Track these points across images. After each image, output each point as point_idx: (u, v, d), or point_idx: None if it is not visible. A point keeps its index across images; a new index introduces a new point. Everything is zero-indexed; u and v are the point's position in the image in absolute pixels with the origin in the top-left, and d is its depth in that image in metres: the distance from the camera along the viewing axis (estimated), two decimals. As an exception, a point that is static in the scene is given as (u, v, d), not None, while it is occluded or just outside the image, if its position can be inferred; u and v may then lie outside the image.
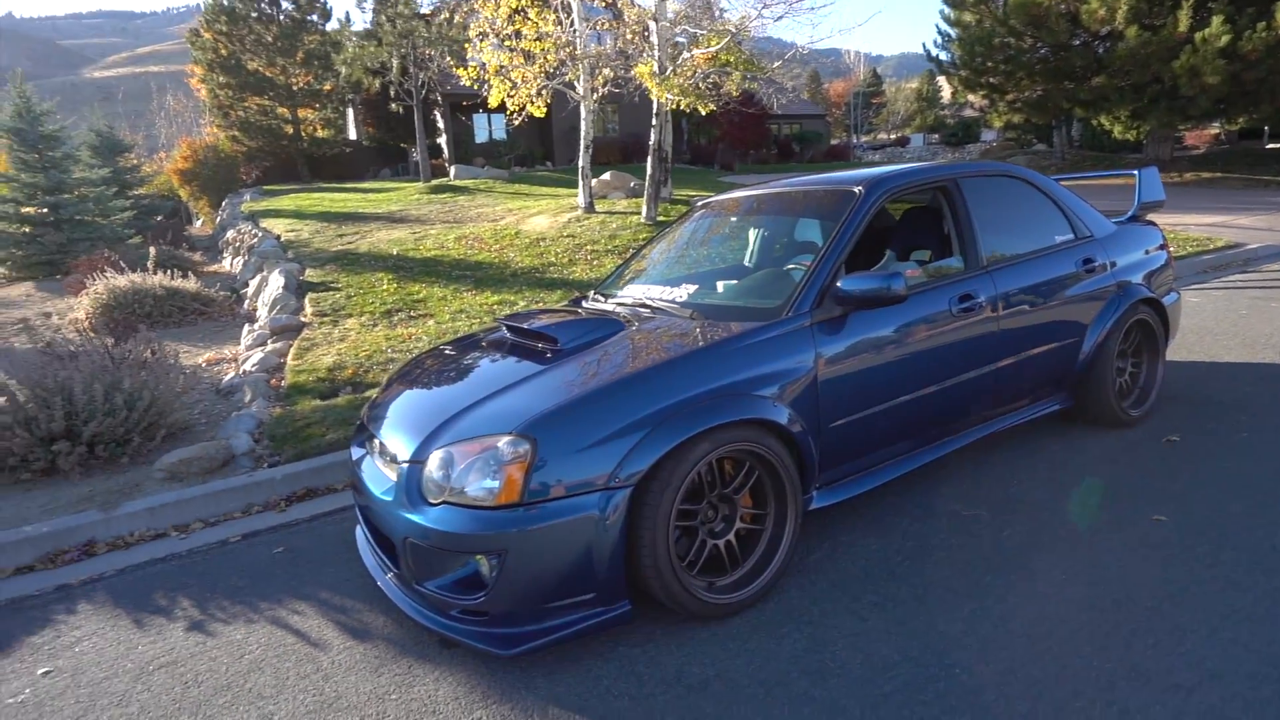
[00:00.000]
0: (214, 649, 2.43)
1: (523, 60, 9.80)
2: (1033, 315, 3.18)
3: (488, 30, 9.17)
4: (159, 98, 50.35)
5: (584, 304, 3.47)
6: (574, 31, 9.87)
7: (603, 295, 3.41)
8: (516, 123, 10.22)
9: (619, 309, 3.06)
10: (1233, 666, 1.92)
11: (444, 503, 2.16)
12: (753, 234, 3.53)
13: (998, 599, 2.31)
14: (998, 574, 2.45)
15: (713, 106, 8.70)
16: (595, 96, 10.07)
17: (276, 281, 8.05)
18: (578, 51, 9.64)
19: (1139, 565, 2.43)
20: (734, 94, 9.07)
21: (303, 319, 6.91)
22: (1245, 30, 11.49)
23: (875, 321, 2.69)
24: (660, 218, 10.10)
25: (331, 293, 7.57)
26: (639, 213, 10.37)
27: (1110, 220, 3.73)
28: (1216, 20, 11.53)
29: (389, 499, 2.30)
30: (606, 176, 12.16)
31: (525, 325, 2.91)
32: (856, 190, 2.92)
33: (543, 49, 9.02)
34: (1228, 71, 11.80)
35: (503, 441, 2.12)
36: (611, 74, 9.57)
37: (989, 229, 3.17)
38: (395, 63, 16.07)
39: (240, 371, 5.72)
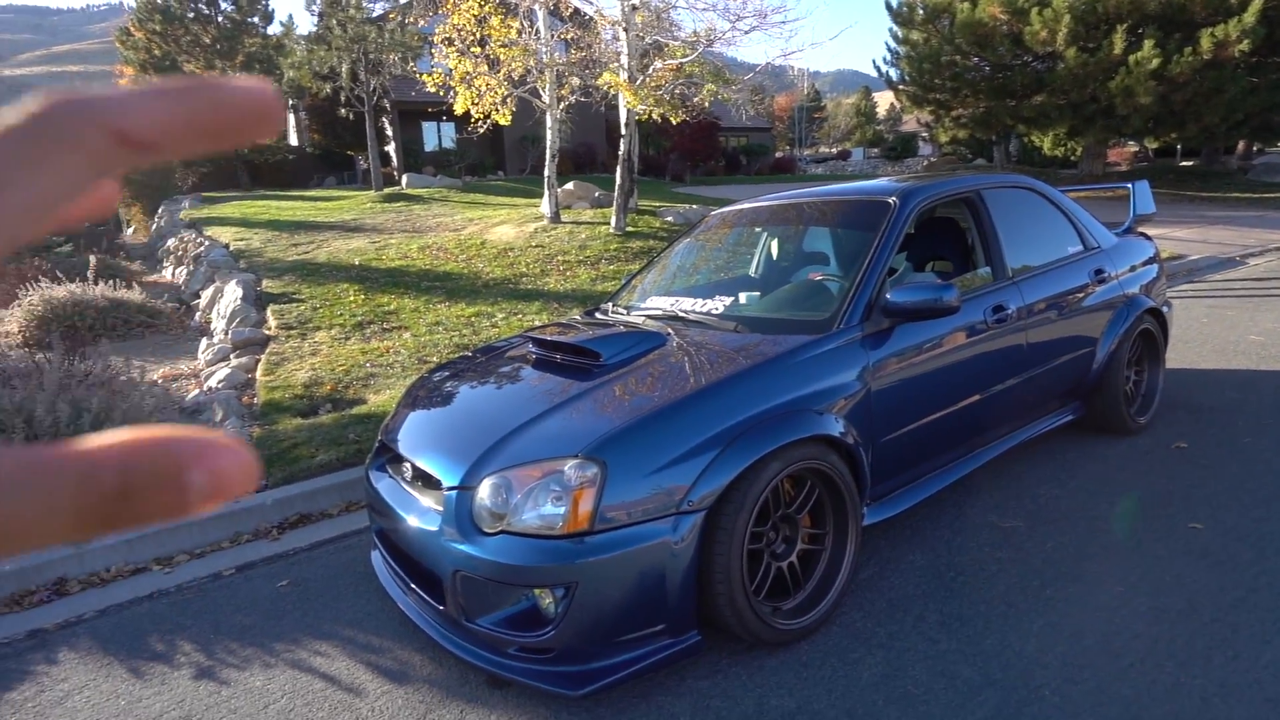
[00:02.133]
0: (232, 699, 2.19)
1: (487, 67, 9.60)
2: (1055, 326, 3.21)
3: (453, 36, 8.94)
4: (79, 99, 47.60)
5: (597, 315, 3.35)
6: (538, 39, 9.73)
7: (623, 308, 3.29)
8: (481, 131, 9.99)
9: (648, 322, 2.94)
10: (1313, 676, 1.92)
11: (502, 532, 2.00)
12: (776, 245, 3.47)
13: (1063, 613, 2.28)
14: (1056, 586, 2.42)
15: (685, 116, 8.68)
16: (561, 106, 9.93)
17: (233, 292, 7.62)
18: (544, 59, 9.50)
19: (1192, 573, 2.45)
20: (706, 105, 9.07)
21: (267, 332, 6.54)
22: (1174, 55, 12.18)
23: (918, 333, 2.65)
24: (629, 228, 10.02)
25: (295, 304, 7.20)
26: (607, 223, 10.27)
27: (1111, 232, 3.82)
28: (1148, 44, 12.19)
29: (431, 528, 2.13)
30: (570, 186, 12.02)
31: (559, 339, 2.77)
32: (891, 201, 2.89)
33: (510, 56, 8.84)
34: (1158, 92, 12.48)
35: (569, 465, 1.98)
36: (579, 83, 9.46)
37: (1011, 240, 3.18)
38: (345, 68, 15.58)
39: (205, 389, 5.35)
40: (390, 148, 23.03)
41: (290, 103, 23.06)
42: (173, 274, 11.75)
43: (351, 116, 17.42)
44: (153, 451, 0.23)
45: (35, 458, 0.22)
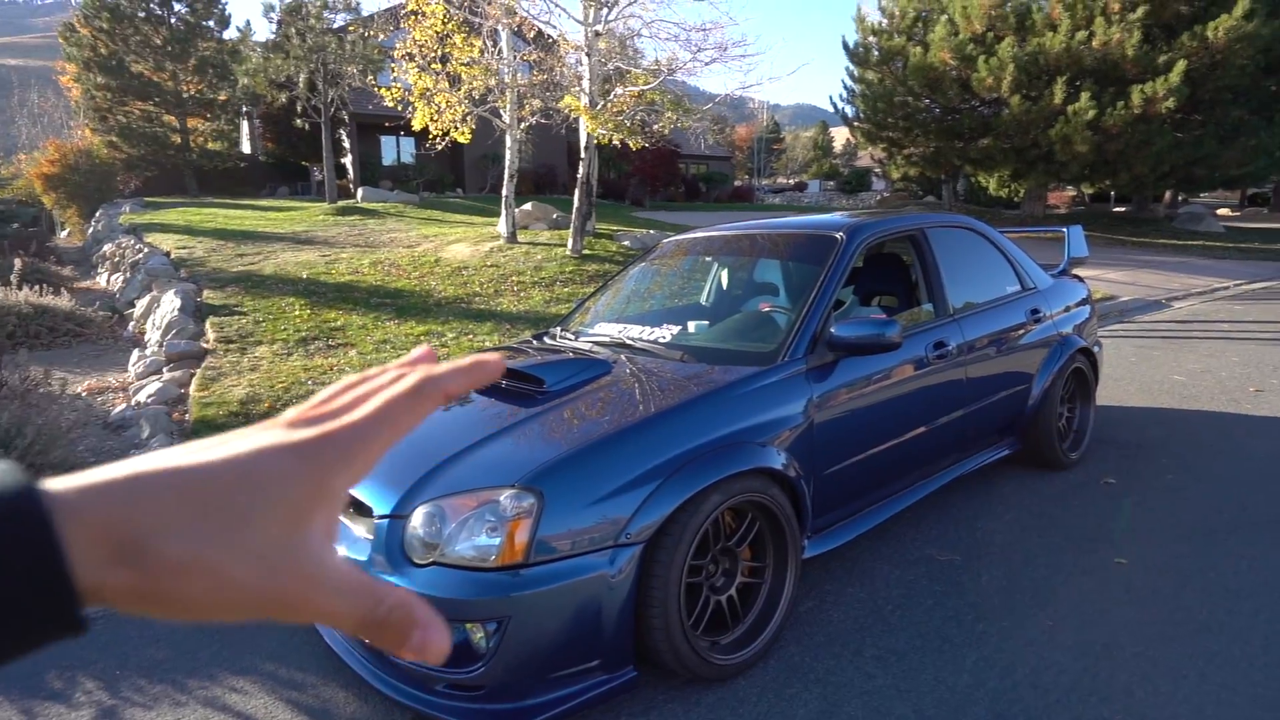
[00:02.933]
0: (137, 740, 2.06)
1: (447, 85, 9.56)
2: (993, 363, 3.30)
3: (414, 52, 8.89)
4: (20, 93, 45.77)
5: (546, 340, 3.31)
6: (500, 58, 9.74)
7: (571, 333, 3.26)
8: (439, 148, 9.91)
9: (595, 348, 2.92)
10: (1229, 713, 1.98)
11: (434, 563, 1.94)
12: (726, 274, 3.50)
13: (995, 647, 2.31)
14: (989, 621, 2.46)
15: (645, 142, 8.76)
16: (522, 126, 9.94)
17: (171, 302, 7.34)
18: (506, 80, 9.51)
19: (1115, 609, 2.51)
20: (666, 132, 9.19)
21: (205, 345, 6.31)
22: (1108, 107, 12.86)
23: (862, 367, 2.69)
24: (586, 251, 10.02)
25: (237, 317, 6.97)
26: (564, 245, 10.26)
27: (1047, 274, 3.97)
28: (1085, 96, 12.85)
29: (359, 558, 2.05)
30: (528, 207, 11.98)
31: (508, 366, 2.72)
32: (838, 236, 2.94)
33: (471, 75, 8.83)
34: (1094, 141, 13.14)
35: (505, 495, 1.93)
36: (541, 104, 9.48)
37: (953, 278, 3.27)
38: (303, 78, 15.33)
39: (133, 403, 5.11)
40: (347, 160, 22.70)
41: (245, 109, 22.59)
42: (107, 281, 11.28)
43: (308, 126, 17.13)
44: (407, 607, 0.35)
45: (363, 581, 0.34)
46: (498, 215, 16.18)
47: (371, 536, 2.08)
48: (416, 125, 9.45)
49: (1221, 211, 26.34)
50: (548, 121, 10.38)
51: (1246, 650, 2.25)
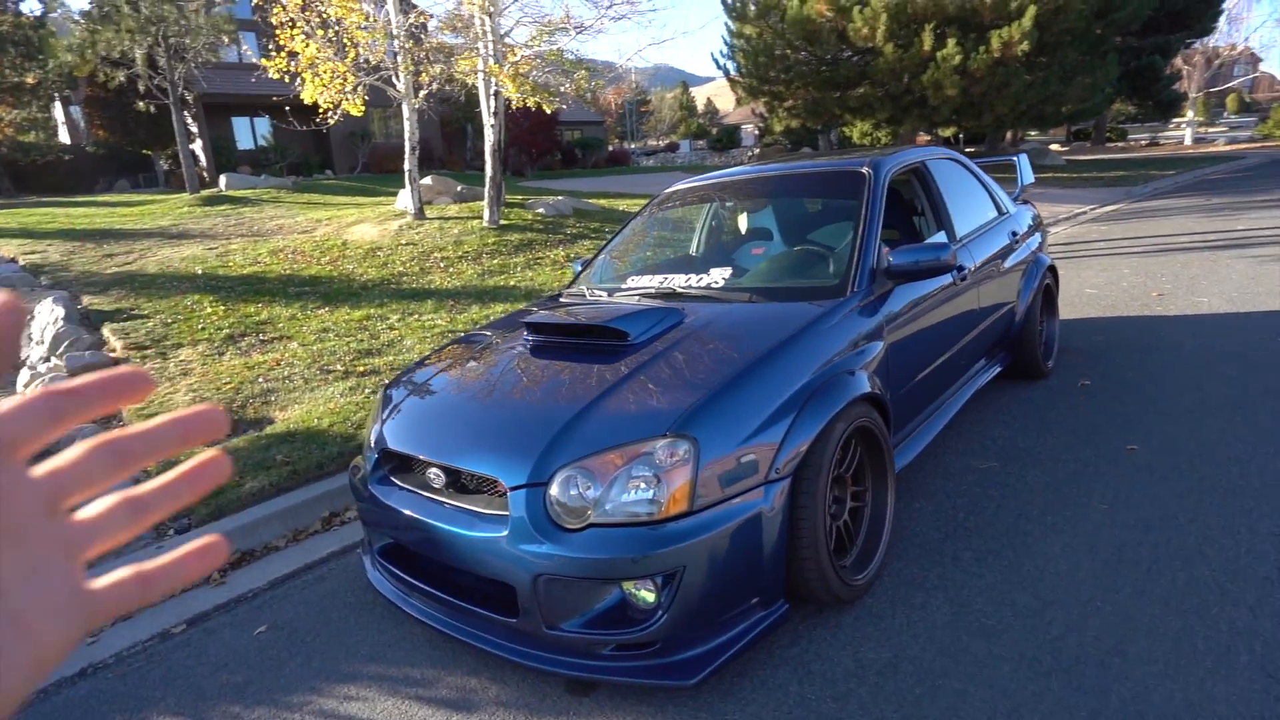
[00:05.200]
0: (268, 767, 1.87)
1: (333, 53, 8.84)
2: (994, 283, 3.53)
3: (296, 18, 8.12)
4: None
5: (563, 300, 3.21)
6: (388, 20, 9.10)
7: (602, 289, 3.17)
8: (333, 121, 9.17)
9: (643, 300, 2.86)
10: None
11: (589, 526, 1.86)
12: (748, 218, 3.48)
13: (1071, 534, 2.52)
14: (1054, 514, 2.67)
15: (561, 105, 8.52)
16: (421, 94, 9.38)
17: (51, 312, 6.44)
18: (398, 44, 8.91)
19: (1150, 487, 2.80)
20: (576, 94, 8.96)
21: (111, 354, 5.62)
22: (971, 52, 13.82)
23: (908, 293, 2.79)
24: (504, 222, 9.69)
25: (139, 320, 6.23)
26: (478, 218, 9.86)
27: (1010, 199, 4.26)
28: (951, 42, 13.73)
29: (494, 535, 1.93)
30: (428, 181, 11.37)
31: (564, 321, 2.61)
32: (864, 172, 3.01)
33: (368, 40, 8.20)
34: (961, 85, 14.11)
35: (658, 446, 1.87)
36: (441, 70, 8.96)
37: (955, 206, 3.45)
38: (140, 53, 13.65)
39: (54, 425, 4.48)
40: (196, 146, 20.58)
41: (62, 93, 19.90)
42: (-59, 298, 9.71)
43: (153, 109, 15.34)
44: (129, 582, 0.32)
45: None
46: (382, 195, 15.29)
47: (503, 511, 1.97)
48: (306, 97, 8.71)
49: (1054, 148, 29.11)
50: (448, 89, 9.84)
51: (1276, 502, 2.59)
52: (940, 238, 3.29)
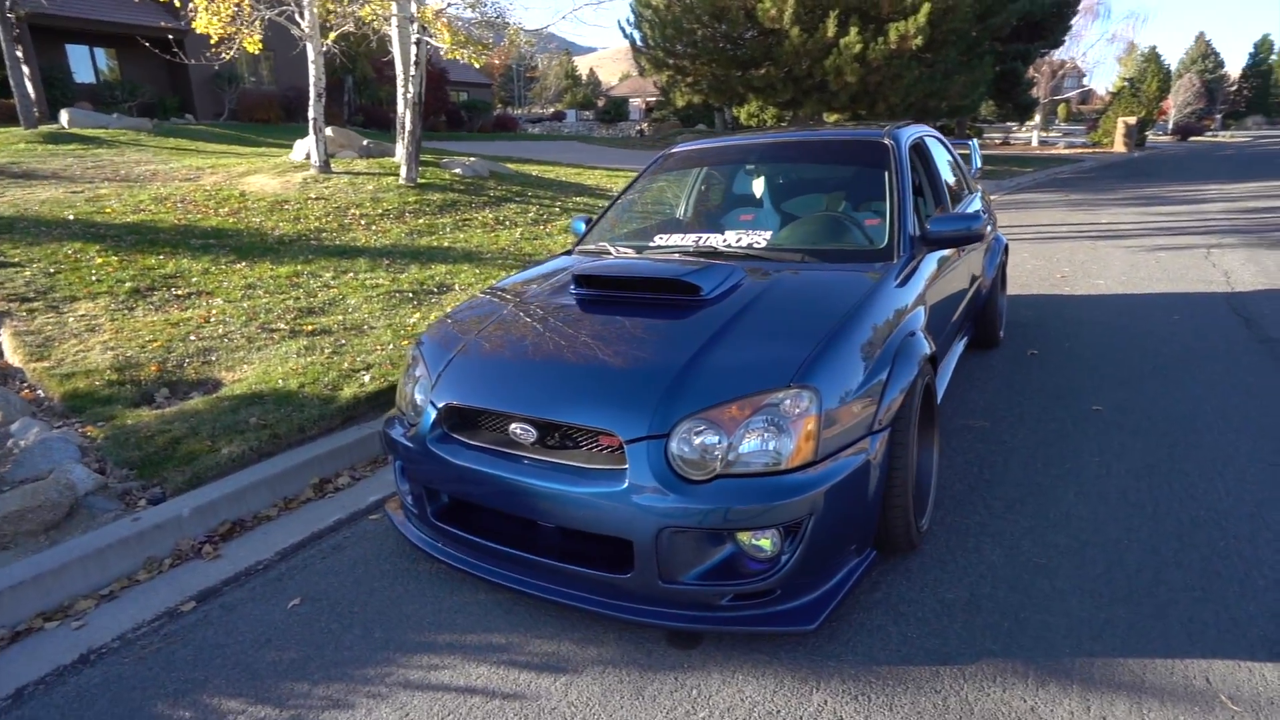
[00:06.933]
0: (374, 743, 1.72)
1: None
2: (973, 256, 3.77)
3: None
4: None
5: (576, 256, 3.13)
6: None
7: (630, 247, 3.09)
8: (226, 56, 8.25)
9: (683, 258, 2.82)
10: (1255, 469, 2.63)
11: (717, 477, 1.84)
12: (765, 182, 3.47)
13: (1079, 482, 2.78)
14: (1057, 465, 2.93)
15: (495, 59, 8.11)
16: (334, 35, 8.62)
17: (-107, 257, 5.41)
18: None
19: (1128, 440, 3.13)
20: (515, 47, 8.56)
21: (-13, 307, 4.82)
22: (870, 42, 14.51)
23: (931, 261, 2.94)
24: (421, 180, 9.16)
25: (11, 270, 5.38)
26: (391, 174, 9.26)
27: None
28: (853, 31, 14.35)
29: (609, 489, 1.87)
30: (330, 133, 10.49)
31: (622, 274, 2.54)
32: (886, 142, 3.12)
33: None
34: (860, 73, 14.81)
35: (784, 396, 1.88)
36: (351, 10, 8.23)
37: (944, 180, 3.64)
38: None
39: (-63, 387, 3.79)
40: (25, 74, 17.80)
41: None
42: None
43: (-26, 27, 13.09)
44: None
45: None
46: (265, 146, 13.98)
47: (616, 465, 1.90)
48: (199, 27, 7.78)
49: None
50: (358, 31, 9.09)
51: (1239, 438, 2.97)
52: (975, 204, 3.46)
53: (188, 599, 2.35)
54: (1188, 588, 2.14)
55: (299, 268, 5.87)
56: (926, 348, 2.37)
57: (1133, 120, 28.69)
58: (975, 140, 4.98)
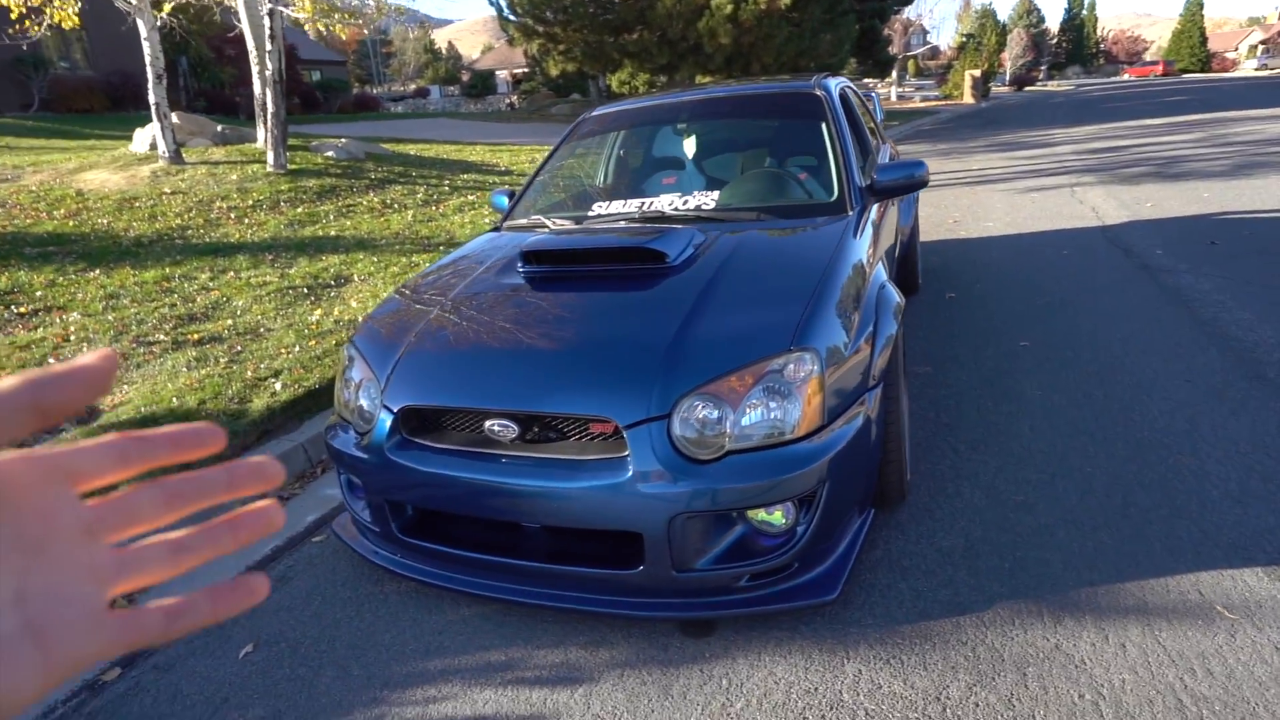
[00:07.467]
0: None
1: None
2: (898, 205, 3.82)
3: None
4: None
5: (504, 231, 2.91)
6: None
7: (566, 219, 2.88)
8: (34, 33, 7.14)
9: (631, 225, 2.66)
10: (1179, 386, 2.82)
11: (726, 454, 1.72)
12: (697, 140, 3.33)
13: (1029, 416, 2.88)
14: (1008, 402, 3.03)
15: (365, 31, 7.45)
16: (169, 8, 7.65)
17: None
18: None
19: (1056, 372, 3.28)
20: (380, 17, 7.91)
21: None
22: (742, 2, 14.62)
23: (874, 211, 2.92)
24: (291, 166, 8.39)
25: None
26: (259, 162, 8.43)
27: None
28: (723, -9, 14.39)
29: (610, 481, 1.71)
30: (176, 119, 9.36)
31: (574, 247, 2.34)
32: (818, 93, 3.06)
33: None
34: (733, 35, 14.91)
35: (786, 360, 1.77)
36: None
37: (865, 130, 3.65)
38: None
39: None
40: None
41: None
42: None
43: None
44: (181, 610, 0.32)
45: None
46: (93, 139, 12.41)
47: (610, 454, 1.75)
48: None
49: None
50: (198, 2, 8.10)
51: (1152, 360, 3.18)
52: (887, 154, 3.46)
53: (108, 666, 1.99)
54: (1155, 506, 2.24)
55: (167, 270, 5.21)
56: (898, 298, 2.34)
57: (978, 73, 30.72)
58: (875, 94, 5.05)
